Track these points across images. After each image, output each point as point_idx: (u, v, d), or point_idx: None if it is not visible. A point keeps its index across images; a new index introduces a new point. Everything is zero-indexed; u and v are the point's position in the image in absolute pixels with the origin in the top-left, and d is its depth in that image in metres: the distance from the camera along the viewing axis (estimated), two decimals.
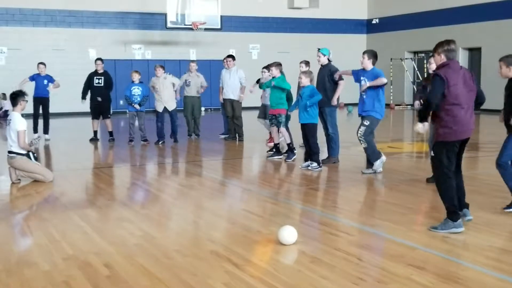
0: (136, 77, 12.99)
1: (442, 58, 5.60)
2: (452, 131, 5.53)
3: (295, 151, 10.43)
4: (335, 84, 9.64)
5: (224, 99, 13.50)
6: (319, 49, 9.96)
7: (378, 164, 8.81)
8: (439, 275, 4.40)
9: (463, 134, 5.61)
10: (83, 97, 13.78)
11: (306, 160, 9.62)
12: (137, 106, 12.85)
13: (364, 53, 8.80)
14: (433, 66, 7.72)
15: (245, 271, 4.54)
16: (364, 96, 8.66)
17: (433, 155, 5.69)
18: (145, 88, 13.16)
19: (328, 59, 9.79)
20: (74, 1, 22.32)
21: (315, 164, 9.32)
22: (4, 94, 21.00)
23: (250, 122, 15.41)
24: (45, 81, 13.95)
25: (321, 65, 9.86)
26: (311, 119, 9.32)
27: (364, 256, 4.92)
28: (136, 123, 13.08)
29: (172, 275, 4.49)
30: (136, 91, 12.90)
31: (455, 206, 5.58)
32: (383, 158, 8.91)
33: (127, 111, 13.23)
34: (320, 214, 6.63)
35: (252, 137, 13.60)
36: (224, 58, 13.70)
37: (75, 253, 5.07)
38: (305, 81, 9.29)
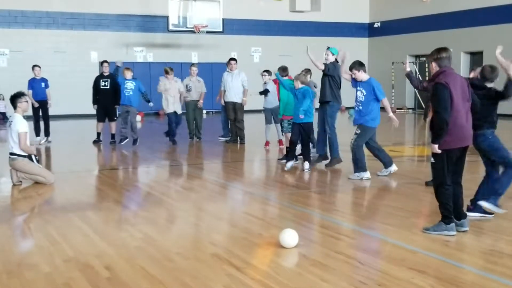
0: (128, 75, 13.17)
1: (434, 67, 5.56)
2: (454, 138, 5.47)
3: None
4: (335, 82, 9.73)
5: (226, 102, 13.49)
6: (328, 47, 10.00)
7: (355, 176, 8.78)
8: (440, 278, 4.40)
9: (464, 141, 5.57)
10: (95, 102, 13.79)
11: (288, 158, 9.80)
12: (150, 104, 13.25)
13: (351, 69, 8.68)
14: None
15: (246, 274, 4.54)
16: (361, 107, 8.67)
17: (433, 161, 5.63)
18: (139, 84, 13.31)
19: (336, 59, 9.81)
20: (76, 3, 22.35)
21: (308, 165, 9.41)
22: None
23: (251, 126, 15.41)
24: (43, 84, 13.98)
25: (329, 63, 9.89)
26: (306, 118, 9.47)
27: (365, 259, 4.92)
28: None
29: (173, 277, 4.49)
30: (129, 85, 13.02)
31: (449, 211, 5.60)
32: (365, 175, 8.78)
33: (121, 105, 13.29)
34: (321, 217, 6.63)
35: (253, 140, 13.59)
36: (229, 60, 13.67)
37: (76, 255, 5.07)
38: (297, 85, 9.48)
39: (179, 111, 13.28)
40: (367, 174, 8.80)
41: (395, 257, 4.98)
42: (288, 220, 6.34)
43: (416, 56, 25.75)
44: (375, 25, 27.29)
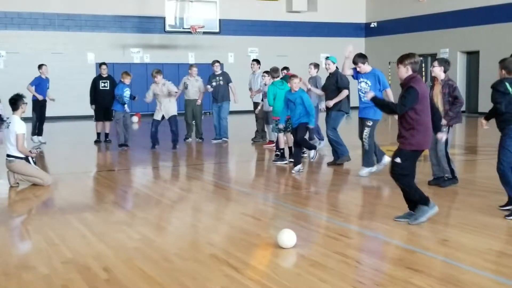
0: (128, 80, 12.88)
1: (408, 70, 5.91)
2: (425, 140, 5.98)
3: (286, 158, 10.42)
4: (339, 91, 9.80)
5: (254, 102, 13.68)
6: (327, 57, 10.15)
7: (365, 172, 8.79)
8: (438, 278, 4.41)
9: (427, 144, 6.12)
10: (92, 102, 13.83)
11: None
12: (126, 108, 12.78)
13: (356, 63, 8.76)
14: (436, 70, 7.88)
15: (244, 275, 4.54)
16: (364, 99, 8.70)
17: (399, 162, 6.06)
18: (130, 89, 12.97)
19: (336, 66, 9.98)
20: (73, 4, 22.32)
21: (312, 151, 9.51)
22: None
23: (252, 126, 15.40)
24: (48, 85, 14.00)
25: (330, 73, 10.01)
26: (301, 119, 9.45)
27: (363, 259, 4.93)
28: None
29: (171, 278, 4.49)
30: (128, 93, 12.83)
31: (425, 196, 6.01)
32: (373, 169, 8.85)
33: (115, 111, 13.03)
34: (319, 218, 6.63)
35: (250, 140, 13.61)
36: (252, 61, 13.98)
37: (74, 256, 5.07)
38: (296, 86, 9.44)
39: (172, 113, 12.55)
40: (374, 168, 8.86)
41: (393, 256, 4.99)
42: (286, 221, 6.35)
43: None
44: (372, 25, 27.30)
